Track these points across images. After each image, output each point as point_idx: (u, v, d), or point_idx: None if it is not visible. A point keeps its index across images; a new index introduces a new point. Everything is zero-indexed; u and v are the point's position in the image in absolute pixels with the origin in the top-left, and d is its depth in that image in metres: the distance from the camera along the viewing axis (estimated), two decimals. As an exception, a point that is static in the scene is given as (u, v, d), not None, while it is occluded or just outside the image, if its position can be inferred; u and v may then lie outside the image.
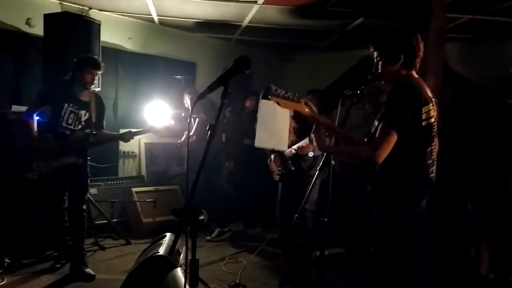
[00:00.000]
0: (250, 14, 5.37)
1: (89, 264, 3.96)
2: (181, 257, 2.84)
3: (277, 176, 3.77)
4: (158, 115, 5.42)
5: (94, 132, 3.82)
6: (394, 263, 2.25)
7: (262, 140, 3.35)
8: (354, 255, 4.37)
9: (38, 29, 4.74)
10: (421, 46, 2.25)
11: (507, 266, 3.80)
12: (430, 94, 2.24)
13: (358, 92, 2.41)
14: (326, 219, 2.41)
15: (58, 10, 4.96)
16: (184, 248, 1.80)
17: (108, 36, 5.35)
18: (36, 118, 3.78)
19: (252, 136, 3.45)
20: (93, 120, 3.83)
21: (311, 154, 3.44)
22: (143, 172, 6.04)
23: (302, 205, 2.60)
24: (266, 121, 3.30)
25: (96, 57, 4.14)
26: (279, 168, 3.72)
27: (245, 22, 5.79)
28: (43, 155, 3.65)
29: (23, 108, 4.21)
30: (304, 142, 3.40)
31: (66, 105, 3.71)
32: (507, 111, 3.78)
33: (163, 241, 3.00)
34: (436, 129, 2.25)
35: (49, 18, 4.52)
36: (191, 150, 5.10)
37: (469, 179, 4.08)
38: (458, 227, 4.20)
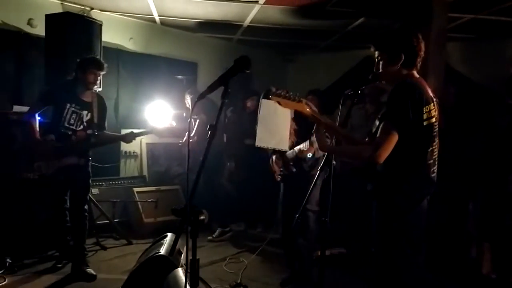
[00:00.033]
0: (251, 14, 5.37)
1: (91, 264, 3.96)
2: (182, 257, 2.85)
3: (279, 176, 3.77)
4: (160, 115, 5.44)
5: (96, 133, 3.82)
6: (395, 263, 2.24)
7: (263, 139, 3.35)
8: (355, 255, 4.37)
9: (39, 30, 4.75)
10: (422, 45, 2.24)
11: (509, 266, 3.79)
12: (431, 94, 2.24)
13: (359, 92, 2.40)
14: (327, 219, 2.41)
15: (60, 10, 4.97)
16: (185, 248, 1.80)
17: (110, 36, 5.36)
18: (38, 118, 3.79)
19: (254, 136, 3.45)
20: (95, 120, 3.83)
21: (310, 155, 3.44)
22: (145, 172, 6.04)
23: (303, 205, 2.60)
24: (267, 121, 3.30)
25: (99, 57, 4.14)
26: (281, 169, 3.72)
27: (247, 22, 5.79)
28: (45, 155, 3.65)
29: (25, 108, 4.21)
30: (305, 145, 3.40)
31: (68, 105, 3.71)
32: (509, 112, 3.77)
33: (164, 241, 3.01)
34: (437, 129, 2.25)
35: (50, 19, 4.53)
36: (192, 151, 5.11)
37: (470, 179, 4.07)
38: (459, 227, 4.19)
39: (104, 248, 4.65)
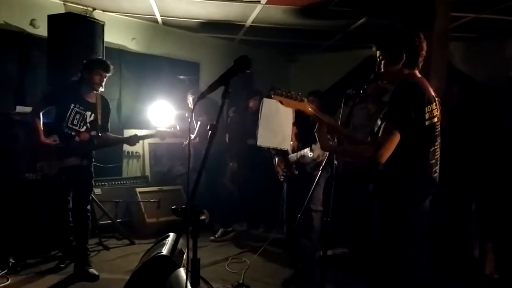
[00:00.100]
0: (253, 14, 5.37)
1: (93, 264, 3.97)
2: (184, 257, 2.85)
3: (282, 176, 3.77)
4: (162, 116, 5.45)
5: (99, 135, 3.82)
6: (397, 263, 2.24)
7: (265, 139, 3.35)
8: (358, 255, 4.36)
9: (42, 30, 4.77)
10: (424, 45, 2.24)
11: (512, 266, 3.78)
12: (433, 94, 2.23)
13: (361, 91, 2.40)
14: (328, 219, 2.40)
15: (62, 11, 4.99)
16: (187, 248, 1.80)
17: (112, 36, 5.37)
18: (42, 117, 3.79)
19: (256, 136, 3.45)
20: (99, 122, 3.84)
21: (310, 154, 3.43)
22: (147, 173, 6.05)
23: (305, 205, 2.60)
24: (269, 120, 3.30)
25: (105, 60, 4.14)
26: (284, 171, 3.72)
27: (249, 22, 5.79)
28: (47, 156, 3.66)
29: (27, 109, 4.23)
30: (307, 151, 3.41)
31: (72, 105, 3.71)
32: (512, 112, 3.77)
33: (167, 241, 3.01)
34: (439, 128, 2.24)
35: (53, 19, 4.55)
36: (195, 151, 5.12)
37: (473, 178, 4.06)
38: (462, 227, 4.17)
39: (106, 248, 4.66)
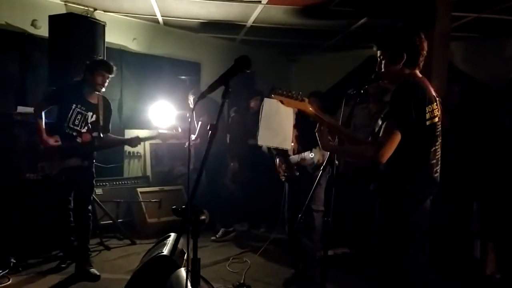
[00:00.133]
0: (254, 14, 5.37)
1: (94, 264, 3.97)
2: (185, 257, 2.85)
3: (283, 177, 3.77)
4: (163, 116, 5.45)
5: (101, 136, 3.83)
6: (398, 263, 2.23)
7: (265, 138, 3.35)
8: (359, 255, 4.36)
9: (43, 30, 4.78)
10: (425, 45, 2.23)
11: (513, 266, 3.77)
12: (434, 93, 2.23)
13: (362, 91, 2.40)
14: (329, 219, 2.40)
15: (63, 11, 5.00)
16: (188, 248, 1.80)
17: (113, 37, 5.38)
18: (44, 117, 3.80)
19: (257, 136, 3.45)
20: (101, 123, 3.84)
21: (312, 155, 3.44)
22: (148, 173, 6.05)
23: (305, 205, 2.60)
24: (270, 120, 3.30)
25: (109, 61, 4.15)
26: (285, 172, 3.72)
27: (250, 22, 5.79)
28: (48, 156, 3.66)
29: (29, 109, 4.23)
30: (307, 154, 3.40)
31: (74, 105, 3.72)
32: (512, 112, 3.76)
33: (168, 241, 3.01)
34: (440, 128, 2.23)
35: (54, 19, 4.55)
36: (196, 152, 5.12)
37: (474, 178, 4.05)
38: (463, 227, 4.17)
39: (107, 248, 4.66)
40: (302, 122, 3.38)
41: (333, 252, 4.41)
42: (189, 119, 2.60)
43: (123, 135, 5.56)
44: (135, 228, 5.26)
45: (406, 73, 2.24)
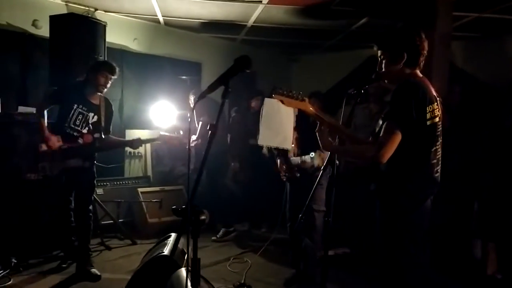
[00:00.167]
0: (255, 14, 5.37)
1: (95, 264, 3.98)
2: (186, 257, 2.85)
3: (284, 177, 3.77)
4: (164, 116, 5.45)
5: (102, 137, 3.84)
6: (399, 263, 2.23)
7: (266, 138, 3.35)
8: (359, 255, 4.36)
9: (44, 31, 4.78)
10: (425, 44, 2.23)
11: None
12: (434, 93, 2.22)
13: (362, 91, 2.40)
14: (330, 219, 2.40)
15: (64, 11, 5.00)
16: (188, 248, 1.80)
17: (114, 37, 5.38)
18: (46, 116, 3.80)
19: (257, 136, 3.45)
20: (102, 124, 3.84)
21: (312, 154, 3.44)
22: (149, 173, 6.06)
23: (306, 205, 2.59)
24: (270, 120, 3.30)
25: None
26: (286, 173, 3.72)
27: (250, 22, 5.79)
28: (49, 156, 3.66)
29: (30, 109, 4.24)
30: (308, 157, 3.40)
31: (75, 105, 3.72)
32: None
33: (168, 241, 3.01)
34: (440, 128, 2.23)
35: (55, 20, 4.55)
36: (198, 152, 5.12)
37: (475, 178, 4.05)
38: (464, 227, 4.16)
39: (108, 248, 4.66)
40: (302, 124, 3.38)
41: (334, 252, 4.42)
42: (189, 119, 2.60)
43: (124, 135, 5.57)
44: (136, 228, 5.26)
45: (407, 73, 2.23)
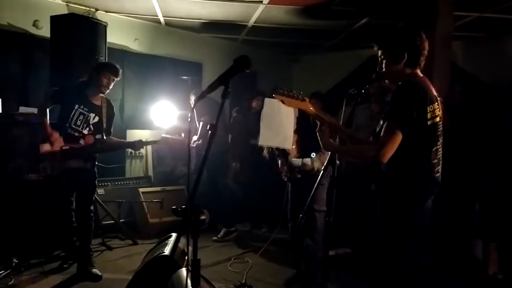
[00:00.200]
0: (255, 14, 5.37)
1: (96, 264, 3.98)
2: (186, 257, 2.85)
3: (285, 177, 3.77)
4: (165, 116, 5.45)
5: (104, 138, 3.84)
6: (399, 263, 2.23)
7: (266, 138, 3.35)
8: (360, 255, 4.35)
9: (45, 31, 4.79)
10: (426, 44, 2.23)
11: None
12: (435, 93, 2.22)
13: (363, 91, 2.39)
14: (330, 219, 2.40)
15: (65, 11, 5.00)
16: (188, 248, 1.81)
17: (115, 37, 5.38)
18: (48, 115, 3.80)
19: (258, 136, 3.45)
20: (103, 125, 3.85)
21: (313, 155, 3.44)
22: (150, 173, 6.06)
23: (307, 205, 2.59)
24: (271, 120, 3.29)
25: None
26: (286, 174, 3.72)
27: (251, 22, 5.79)
28: (50, 157, 3.66)
29: (30, 109, 4.24)
30: (308, 160, 3.40)
31: (76, 106, 3.72)
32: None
33: (169, 241, 3.01)
34: (441, 128, 2.23)
35: (56, 20, 4.55)
36: (198, 152, 5.11)
37: (476, 178, 4.04)
38: (465, 227, 4.16)
39: (109, 248, 4.67)
40: (302, 125, 3.38)
41: (335, 252, 4.41)
42: (190, 120, 2.60)
43: (125, 135, 5.57)
44: (137, 228, 5.27)
45: (407, 73, 2.23)
